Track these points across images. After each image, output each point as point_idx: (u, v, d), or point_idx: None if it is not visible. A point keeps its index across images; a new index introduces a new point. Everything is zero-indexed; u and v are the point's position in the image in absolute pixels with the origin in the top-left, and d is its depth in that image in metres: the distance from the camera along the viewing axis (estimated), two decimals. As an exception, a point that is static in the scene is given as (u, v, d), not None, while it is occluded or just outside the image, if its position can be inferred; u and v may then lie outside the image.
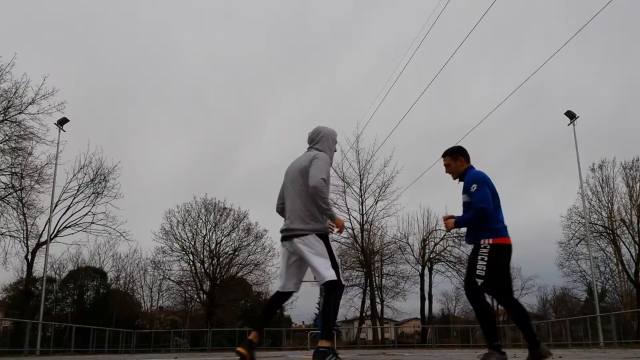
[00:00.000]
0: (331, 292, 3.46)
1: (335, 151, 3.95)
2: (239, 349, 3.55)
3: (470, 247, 3.91)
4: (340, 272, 3.57)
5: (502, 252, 3.69)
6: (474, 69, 53.91)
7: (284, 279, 3.74)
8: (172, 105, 55.05)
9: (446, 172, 4.08)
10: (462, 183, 4.00)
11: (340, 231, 3.73)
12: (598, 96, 47.94)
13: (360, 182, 29.13)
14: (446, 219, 3.96)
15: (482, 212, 3.67)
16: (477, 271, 3.64)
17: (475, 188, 3.74)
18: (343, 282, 3.57)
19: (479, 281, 3.62)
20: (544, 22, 49.73)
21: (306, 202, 3.59)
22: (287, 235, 3.65)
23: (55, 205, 22.95)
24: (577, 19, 43.66)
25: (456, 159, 4.01)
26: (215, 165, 55.06)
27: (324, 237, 3.59)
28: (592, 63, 51.42)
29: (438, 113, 49.49)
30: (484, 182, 3.77)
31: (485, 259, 3.65)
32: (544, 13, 49.26)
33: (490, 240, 3.68)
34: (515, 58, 50.04)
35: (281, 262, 3.82)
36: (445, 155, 4.07)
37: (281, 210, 3.90)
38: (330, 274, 3.44)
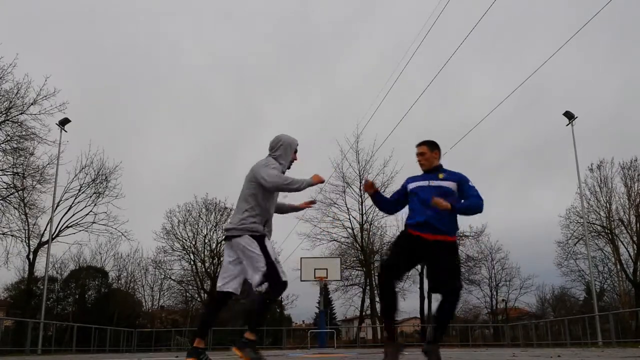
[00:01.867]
0: (264, 293, 3.64)
1: (296, 159, 4.07)
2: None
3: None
4: (279, 268, 3.67)
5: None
6: (474, 69, 54.05)
7: (222, 276, 3.81)
8: (173, 105, 55.18)
9: (418, 161, 3.98)
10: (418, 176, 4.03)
11: (322, 181, 3.80)
12: (597, 96, 48.10)
13: (360, 182, 29.25)
14: (438, 200, 3.60)
15: (482, 205, 3.72)
16: (457, 262, 3.73)
17: (472, 184, 3.80)
18: (283, 279, 3.64)
19: (460, 280, 3.72)
20: (545, 23, 49.85)
21: (243, 203, 3.79)
22: (226, 236, 3.83)
23: (57, 205, 23.10)
24: (577, 19, 43.81)
25: (432, 150, 3.96)
26: (215, 165, 55.20)
27: (257, 238, 3.72)
28: (592, 63, 51.58)
29: (438, 113, 49.62)
30: None
31: (456, 253, 3.78)
32: (545, 13, 49.37)
33: (453, 237, 3.78)
34: (516, 58, 50.12)
35: (223, 261, 3.91)
36: (422, 144, 3.98)
37: None
38: (256, 279, 3.60)
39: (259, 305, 3.73)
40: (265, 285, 3.63)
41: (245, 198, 3.80)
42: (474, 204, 3.71)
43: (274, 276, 3.60)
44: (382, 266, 3.88)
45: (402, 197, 4.03)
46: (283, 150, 3.97)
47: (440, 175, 3.85)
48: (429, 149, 3.95)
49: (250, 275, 3.65)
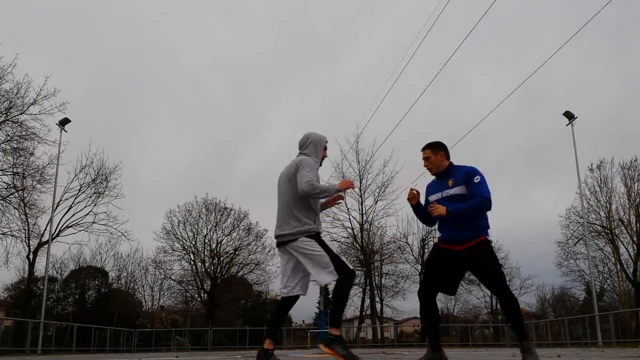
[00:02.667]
0: (339, 283, 3.56)
1: (325, 157, 4.05)
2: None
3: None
4: (344, 259, 3.66)
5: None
6: (474, 69, 54.06)
7: (286, 283, 3.79)
8: (173, 105, 55.20)
9: (424, 166, 3.92)
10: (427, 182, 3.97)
11: (350, 187, 3.84)
12: (597, 96, 48.11)
13: (360, 182, 29.25)
14: (434, 207, 3.64)
15: (487, 203, 3.58)
16: (499, 264, 3.61)
17: (479, 179, 3.63)
18: (350, 268, 3.64)
19: (502, 272, 3.60)
20: (546, 23, 49.85)
21: (292, 206, 3.70)
22: (280, 242, 3.76)
23: (57, 205, 23.11)
24: (578, 19, 43.80)
25: (436, 153, 3.85)
26: (216, 165, 55.24)
27: (313, 236, 3.67)
28: (592, 63, 51.57)
29: (438, 113, 49.64)
30: (482, 174, 3.69)
31: (494, 252, 3.66)
32: (546, 14, 49.36)
33: (486, 237, 3.66)
34: (516, 58, 50.13)
35: (281, 267, 3.89)
36: (426, 148, 3.90)
37: None
38: (325, 278, 3.54)
39: (338, 301, 3.62)
40: (333, 281, 3.59)
41: (290, 200, 3.73)
42: (473, 205, 3.57)
43: (342, 268, 3.57)
44: (420, 282, 3.88)
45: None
46: (313, 148, 3.93)
47: (450, 182, 3.75)
48: (432, 152, 3.86)
49: (316, 274, 3.59)
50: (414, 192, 3.95)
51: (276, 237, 3.78)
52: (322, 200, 4.05)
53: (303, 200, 3.70)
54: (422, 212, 4.01)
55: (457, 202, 3.63)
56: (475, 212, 3.61)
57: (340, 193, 3.97)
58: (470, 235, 3.61)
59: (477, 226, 3.63)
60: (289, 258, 3.75)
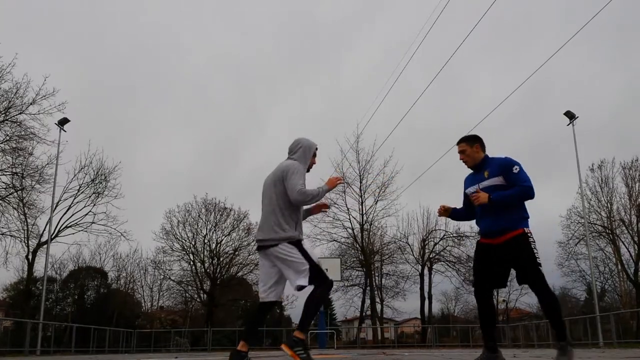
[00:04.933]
0: (314, 290, 3.58)
1: (314, 163, 4.02)
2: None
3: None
4: (324, 270, 3.65)
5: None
6: (476, 69, 54.01)
7: (264, 288, 3.76)
8: (174, 105, 55.11)
9: (460, 159, 3.93)
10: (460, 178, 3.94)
11: (339, 182, 3.87)
12: (598, 96, 48.06)
13: (360, 182, 29.21)
14: (475, 196, 3.65)
15: (529, 192, 3.54)
16: (538, 259, 3.51)
17: (518, 169, 3.60)
18: (329, 279, 3.63)
19: (541, 269, 3.51)
20: (548, 23, 49.79)
21: (276, 211, 3.67)
22: (260, 246, 3.73)
23: (56, 205, 23.02)
24: (578, 19, 43.72)
25: (472, 145, 3.87)
26: (216, 165, 55.19)
27: (295, 243, 3.64)
28: (593, 63, 51.48)
29: (439, 113, 49.60)
30: (522, 165, 3.66)
31: (536, 247, 3.55)
32: (548, 14, 49.31)
33: (527, 230, 3.58)
34: (519, 58, 50.07)
35: (260, 272, 3.86)
36: (461, 141, 3.93)
37: None
38: (299, 283, 3.54)
39: (313, 305, 3.62)
40: (306, 287, 3.60)
41: (274, 205, 3.69)
42: (516, 193, 3.54)
43: (320, 277, 3.57)
44: (473, 284, 3.88)
45: (468, 201, 3.90)
46: (302, 153, 3.89)
47: (486, 174, 3.74)
48: (468, 145, 3.87)
49: (294, 280, 3.58)
50: (442, 208, 4.04)
51: (257, 241, 3.76)
52: (307, 207, 4.03)
53: (287, 206, 3.67)
54: (457, 214, 4.04)
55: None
56: (518, 201, 3.58)
57: (325, 202, 3.98)
58: (507, 226, 3.57)
59: (514, 217, 3.58)
60: (269, 263, 3.74)
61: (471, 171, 3.97)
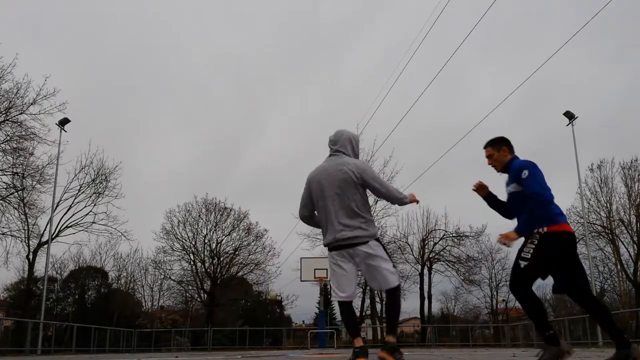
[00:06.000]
0: (395, 292, 3.67)
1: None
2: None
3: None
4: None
5: (561, 239, 3.31)
6: (476, 69, 54.04)
7: (345, 287, 3.71)
8: (174, 105, 55.18)
9: (489, 164, 3.77)
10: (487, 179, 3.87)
11: (416, 201, 3.90)
12: (598, 96, 48.10)
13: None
14: (503, 236, 3.35)
15: (537, 198, 3.28)
16: (523, 253, 3.32)
17: (526, 174, 3.39)
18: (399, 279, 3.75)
19: (522, 263, 3.29)
20: (548, 23, 49.82)
21: (360, 210, 3.64)
22: (349, 244, 3.61)
23: (57, 205, 23.08)
24: (577, 20, 43.77)
25: (499, 149, 3.70)
26: (216, 165, 55.25)
27: (379, 241, 3.69)
28: (593, 63, 51.53)
29: (439, 113, 49.63)
30: (535, 166, 3.44)
31: (535, 242, 3.30)
32: (548, 14, 49.34)
33: (545, 229, 3.32)
34: (518, 58, 50.14)
35: (337, 273, 3.72)
36: (487, 145, 3.76)
37: (306, 217, 3.97)
38: (395, 279, 3.61)
39: (397, 306, 3.69)
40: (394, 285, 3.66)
41: (357, 202, 3.64)
42: (529, 210, 3.30)
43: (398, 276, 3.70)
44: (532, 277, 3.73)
45: (510, 202, 3.70)
46: (352, 146, 3.87)
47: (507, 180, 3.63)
48: (494, 149, 3.72)
49: (387, 278, 3.61)
50: (479, 183, 3.86)
51: (343, 239, 3.59)
52: None
53: (367, 205, 3.70)
54: (496, 203, 3.83)
55: (514, 201, 3.54)
56: (536, 214, 3.32)
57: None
58: (535, 228, 3.37)
59: (541, 217, 3.33)
60: (348, 262, 3.67)
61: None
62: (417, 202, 3.88)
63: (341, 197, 3.63)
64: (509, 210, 3.73)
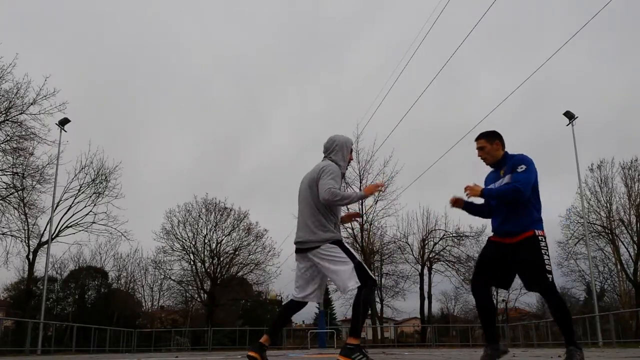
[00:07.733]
0: (359, 293, 3.48)
1: (352, 159, 4.00)
2: (250, 353, 3.59)
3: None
4: (367, 268, 3.59)
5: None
6: (476, 68, 54.04)
7: (301, 288, 3.73)
8: (174, 105, 55.15)
9: (479, 156, 3.77)
10: (483, 174, 3.86)
11: (376, 190, 3.85)
12: (598, 96, 48.09)
13: (360, 182, 29.17)
14: (469, 187, 3.58)
15: (517, 193, 3.38)
16: (547, 267, 3.35)
17: (523, 169, 3.46)
18: (373, 277, 3.57)
19: (550, 277, 3.35)
20: (548, 23, 49.80)
21: (315, 212, 3.61)
22: (300, 248, 3.66)
23: (57, 205, 23.07)
24: (577, 20, 43.76)
25: (492, 142, 3.71)
26: (216, 165, 55.24)
27: (336, 242, 3.59)
28: (594, 63, 51.52)
29: (439, 113, 49.63)
30: (533, 166, 3.51)
31: (547, 253, 3.39)
32: (548, 14, 49.33)
33: (542, 232, 3.44)
34: (518, 58, 50.12)
35: (296, 272, 3.78)
36: (480, 137, 3.76)
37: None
38: (353, 282, 3.46)
39: (362, 307, 3.51)
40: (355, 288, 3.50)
41: (312, 206, 3.65)
42: (503, 190, 3.45)
43: (364, 276, 3.48)
44: (471, 280, 3.80)
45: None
46: (339, 152, 3.84)
47: (502, 172, 3.64)
48: (488, 142, 3.73)
49: (340, 281, 3.49)
50: (453, 198, 3.85)
51: (297, 243, 3.67)
52: (341, 215, 3.98)
53: (325, 207, 3.62)
54: (474, 208, 3.90)
55: None
56: (505, 198, 3.47)
57: (358, 212, 3.89)
58: (516, 230, 3.46)
59: (525, 218, 3.45)
60: (308, 265, 3.68)
61: (491, 168, 3.86)
62: (377, 189, 3.85)
63: (307, 200, 3.69)
64: (487, 207, 3.81)
